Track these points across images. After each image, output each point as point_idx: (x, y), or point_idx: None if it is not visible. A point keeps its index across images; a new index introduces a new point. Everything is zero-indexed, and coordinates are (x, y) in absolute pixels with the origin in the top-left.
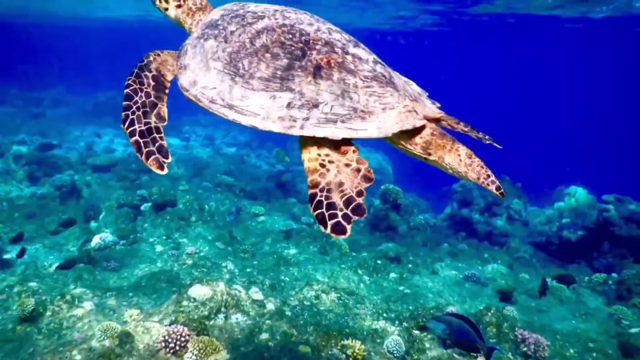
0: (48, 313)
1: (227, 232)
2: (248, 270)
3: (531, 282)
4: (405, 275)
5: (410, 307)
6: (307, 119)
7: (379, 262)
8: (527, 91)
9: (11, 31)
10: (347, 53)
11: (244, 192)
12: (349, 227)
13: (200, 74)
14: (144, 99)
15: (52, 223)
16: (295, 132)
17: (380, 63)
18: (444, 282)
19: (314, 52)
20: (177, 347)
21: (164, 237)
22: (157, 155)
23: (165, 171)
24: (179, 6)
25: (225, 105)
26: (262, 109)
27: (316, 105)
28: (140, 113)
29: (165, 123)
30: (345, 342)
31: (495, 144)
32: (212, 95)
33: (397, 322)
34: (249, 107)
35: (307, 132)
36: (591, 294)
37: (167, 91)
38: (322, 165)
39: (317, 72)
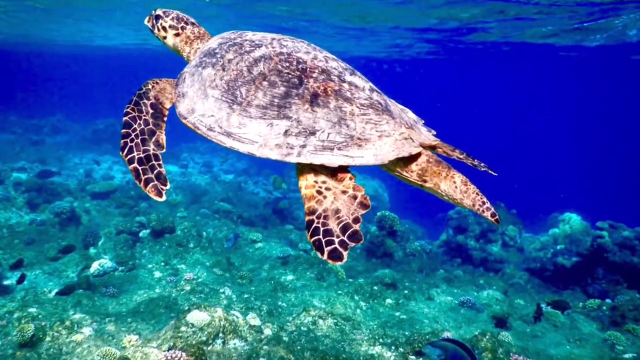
0: (47, 338)
1: (224, 258)
2: (245, 296)
3: (526, 307)
4: (401, 301)
5: (406, 333)
6: (304, 146)
7: (375, 288)
8: (521, 118)
9: (11, 59)
10: (344, 81)
11: (241, 218)
12: (345, 254)
13: (199, 101)
14: (142, 126)
15: (51, 249)
16: (293, 159)
17: (377, 91)
18: (440, 308)
19: (311, 80)
20: None
21: (163, 264)
22: (156, 182)
23: (164, 198)
24: (177, 35)
25: (223, 133)
26: (259, 136)
27: (313, 133)
28: (138, 140)
29: (164, 150)
30: None
31: (490, 171)
32: (210, 122)
33: (393, 347)
34: (246, 134)
35: (304, 160)
36: (585, 320)
37: (165, 119)
38: (319, 192)
39: (314, 100)
